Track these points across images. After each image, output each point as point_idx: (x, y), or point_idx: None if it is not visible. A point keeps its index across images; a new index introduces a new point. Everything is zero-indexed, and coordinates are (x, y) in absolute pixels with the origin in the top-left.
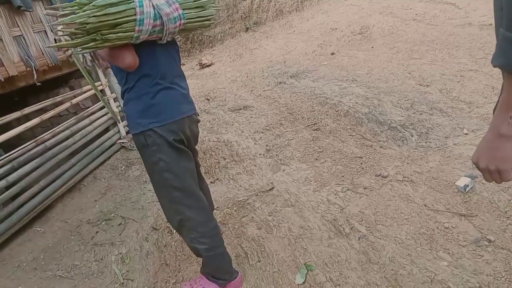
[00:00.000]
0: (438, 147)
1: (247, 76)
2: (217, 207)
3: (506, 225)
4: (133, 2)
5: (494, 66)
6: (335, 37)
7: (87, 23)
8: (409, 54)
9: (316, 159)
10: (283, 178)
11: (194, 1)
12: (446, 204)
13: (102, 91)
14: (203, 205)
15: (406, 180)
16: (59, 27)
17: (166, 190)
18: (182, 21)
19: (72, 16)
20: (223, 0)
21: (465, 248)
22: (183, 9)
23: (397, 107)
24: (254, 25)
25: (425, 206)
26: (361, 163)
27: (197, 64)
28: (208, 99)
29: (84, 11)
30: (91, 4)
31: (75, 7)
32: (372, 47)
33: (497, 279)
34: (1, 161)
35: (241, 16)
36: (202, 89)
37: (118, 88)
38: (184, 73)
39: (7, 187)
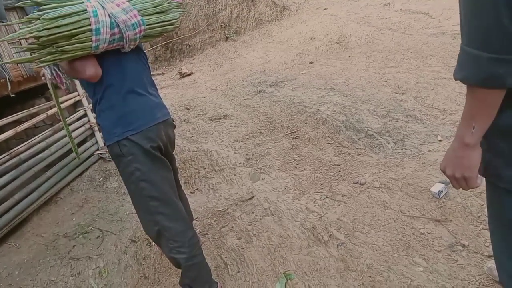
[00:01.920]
0: (413, 154)
1: (227, 85)
2: (197, 218)
3: (479, 230)
4: (87, 12)
5: (455, 80)
6: (313, 46)
7: (40, 37)
8: (385, 63)
9: (295, 168)
10: (263, 187)
11: (154, 7)
12: (421, 210)
13: (79, 101)
14: (181, 214)
15: (383, 187)
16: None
17: (143, 200)
18: (143, 27)
19: (21, 31)
20: (202, 10)
21: (440, 253)
22: (142, 16)
23: (373, 115)
24: (234, 35)
25: (401, 212)
26: (339, 171)
27: (177, 74)
28: (188, 109)
29: (34, 25)
30: (41, 18)
31: (26, 22)
32: (350, 56)
33: (472, 283)
34: None
35: (221, 25)
36: (182, 98)
37: None
38: (164, 83)
39: None
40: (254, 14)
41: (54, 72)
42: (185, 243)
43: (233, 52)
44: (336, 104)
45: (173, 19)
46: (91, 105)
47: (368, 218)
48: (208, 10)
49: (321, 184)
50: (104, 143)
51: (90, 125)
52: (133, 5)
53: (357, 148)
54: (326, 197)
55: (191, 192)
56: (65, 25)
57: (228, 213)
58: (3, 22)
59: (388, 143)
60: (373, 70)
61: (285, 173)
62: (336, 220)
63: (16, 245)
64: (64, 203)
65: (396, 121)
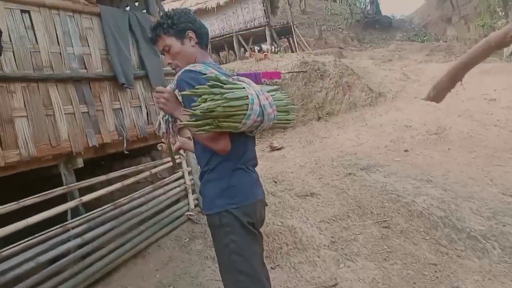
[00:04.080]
0: None
1: (316, 163)
2: None
3: None
4: (248, 98)
5: None
6: (408, 134)
7: (214, 111)
8: (490, 160)
9: (385, 259)
10: (348, 275)
11: (284, 106)
12: None
13: (179, 164)
14: None
15: None
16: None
17: (233, 273)
18: (274, 121)
19: (209, 104)
20: (299, 90)
21: None
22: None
23: (477, 215)
24: (326, 115)
25: None
26: (435, 271)
27: (267, 146)
28: (276, 182)
29: (215, 101)
30: (223, 96)
31: (209, 95)
32: (449, 149)
33: None
34: (81, 219)
35: (315, 106)
36: (271, 171)
37: (195, 164)
38: None
39: (81, 246)
40: (349, 98)
41: (167, 127)
42: None
43: (324, 132)
44: (433, 197)
45: (292, 119)
46: (189, 168)
47: None
48: (304, 91)
49: (414, 283)
50: (195, 205)
51: (185, 187)
52: (274, 100)
53: (456, 249)
54: None
55: (271, 268)
56: (234, 106)
57: None
58: (130, 88)
59: (494, 249)
60: (476, 167)
61: (373, 264)
62: None
63: None
64: (151, 258)
65: (503, 226)
